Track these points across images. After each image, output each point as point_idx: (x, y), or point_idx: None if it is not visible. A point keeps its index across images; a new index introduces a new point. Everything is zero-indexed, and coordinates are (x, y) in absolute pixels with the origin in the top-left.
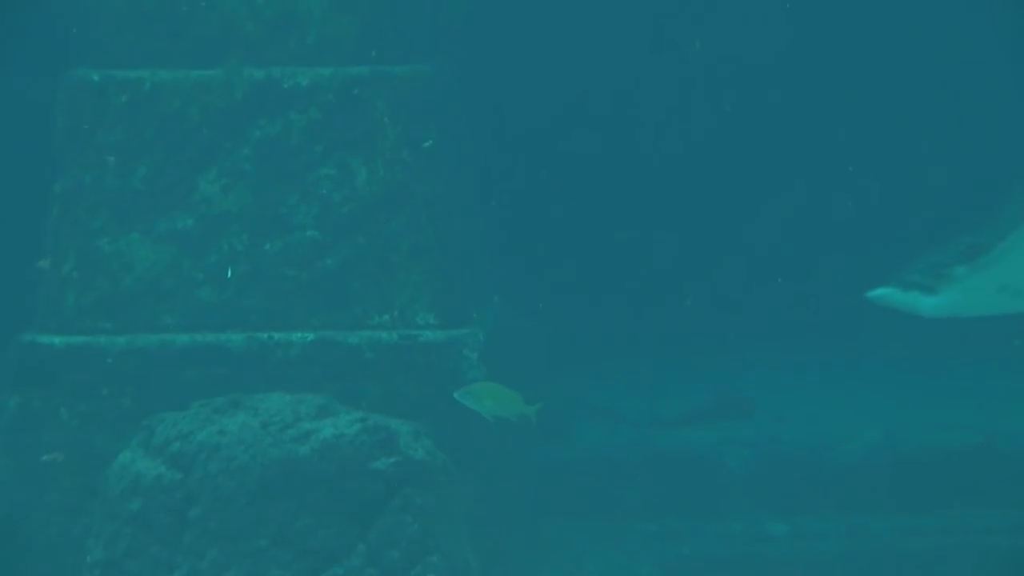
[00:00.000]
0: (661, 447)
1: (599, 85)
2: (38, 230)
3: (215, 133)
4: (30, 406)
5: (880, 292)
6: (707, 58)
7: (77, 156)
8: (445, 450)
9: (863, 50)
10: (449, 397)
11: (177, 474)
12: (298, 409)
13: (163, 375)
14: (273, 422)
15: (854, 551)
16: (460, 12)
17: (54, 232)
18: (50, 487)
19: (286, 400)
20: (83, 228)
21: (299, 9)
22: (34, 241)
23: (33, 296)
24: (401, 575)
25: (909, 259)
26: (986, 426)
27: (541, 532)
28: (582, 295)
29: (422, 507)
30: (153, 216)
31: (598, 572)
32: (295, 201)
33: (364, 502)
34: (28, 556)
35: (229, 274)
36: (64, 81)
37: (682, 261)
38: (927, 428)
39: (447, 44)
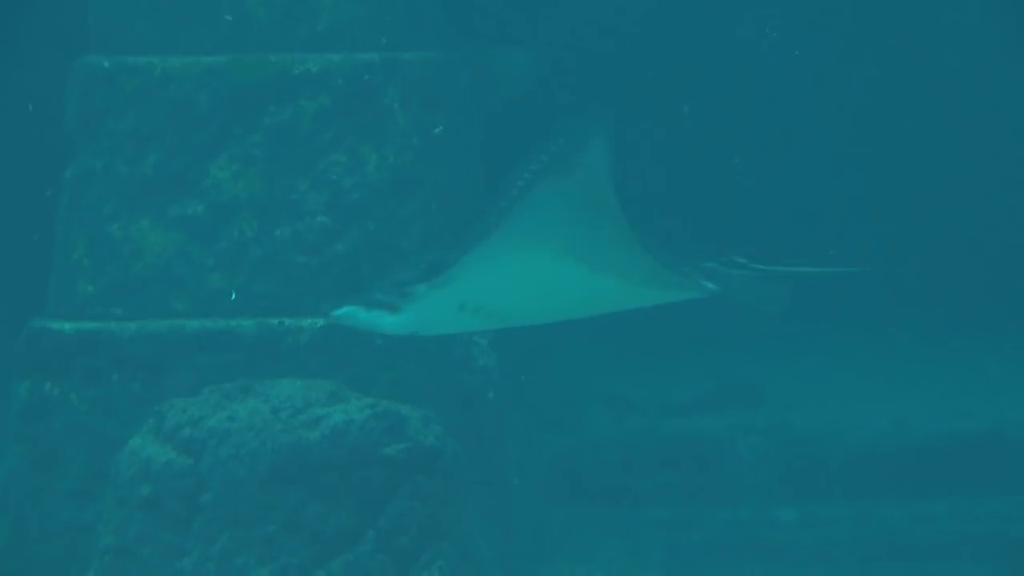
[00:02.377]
0: (670, 434)
1: (611, 69)
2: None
3: (225, 119)
4: (41, 392)
5: (343, 311)
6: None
7: (88, 142)
8: (455, 436)
9: None
10: (460, 383)
11: (187, 460)
12: (308, 395)
13: (174, 360)
14: (283, 408)
15: (863, 538)
16: None
17: (64, 218)
18: (61, 473)
19: (296, 386)
20: (94, 214)
21: None
22: (44, 228)
23: (44, 282)
24: (411, 561)
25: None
26: (996, 413)
27: (551, 519)
28: None
29: (432, 493)
30: (164, 202)
31: (608, 558)
32: (305, 187)
33: (374, 488)
34: (40, 541)
35: (233, 296)
36: (74, 68)
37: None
38: (936, 415)
39: (458, 30)
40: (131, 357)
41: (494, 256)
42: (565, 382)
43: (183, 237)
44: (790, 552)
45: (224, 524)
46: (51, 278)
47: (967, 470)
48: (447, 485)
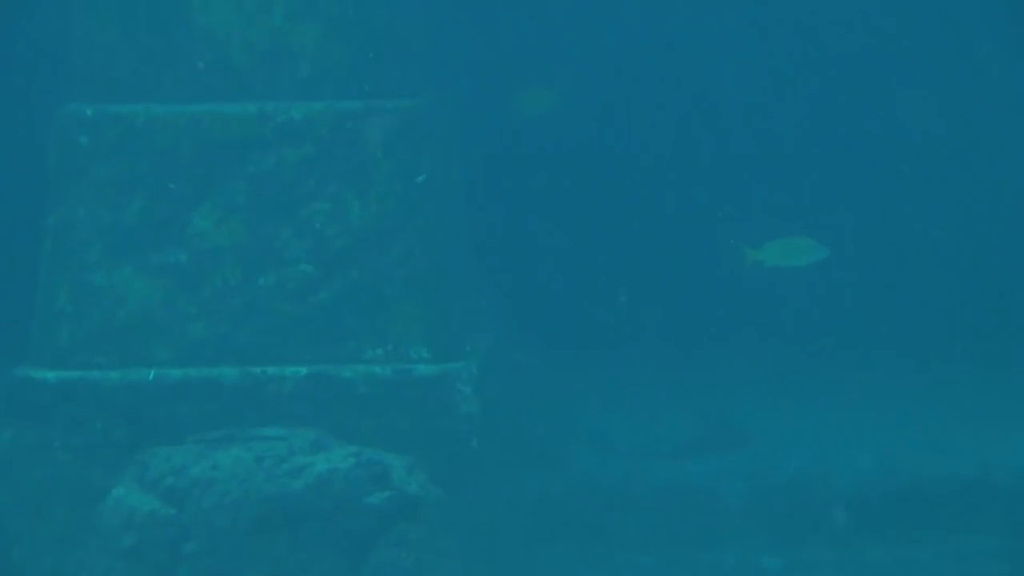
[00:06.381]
0: (655, 478)
1: (591, 114)
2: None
3: (208, 167)
4: (24, 440)
5: None
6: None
7: (71, 190)
8: (439, 483)
9: None
10: (444, 430)
11: (171, 509)
12: (292, 444)
13: (157, 409)
14: (267, 457)
15: None
16: (454, 45)
17: (47, 265)
18: (44, 520)
19: (280, 434)
20: (76, 262)
21: (292, 42)
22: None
23: (26, 330)
24: None
25: None
26: (982, 451)
27: (535, 564)
28: (577, 321)
29: (416, 542)
30: (147, 250)
31: None
32: (288, 235)
33: (358, 537)
34: None
35: (152, 375)
36: (57, 115)
37: (675, 287)
38: (923, 455)
39: (441, 77)
40: (114, 406)
41: None
42: (550, 422)
43: (166, 285)
44: None
45: (207, 573)
46: (33, 325)
47: (953, 511)
48: (431, 533)
